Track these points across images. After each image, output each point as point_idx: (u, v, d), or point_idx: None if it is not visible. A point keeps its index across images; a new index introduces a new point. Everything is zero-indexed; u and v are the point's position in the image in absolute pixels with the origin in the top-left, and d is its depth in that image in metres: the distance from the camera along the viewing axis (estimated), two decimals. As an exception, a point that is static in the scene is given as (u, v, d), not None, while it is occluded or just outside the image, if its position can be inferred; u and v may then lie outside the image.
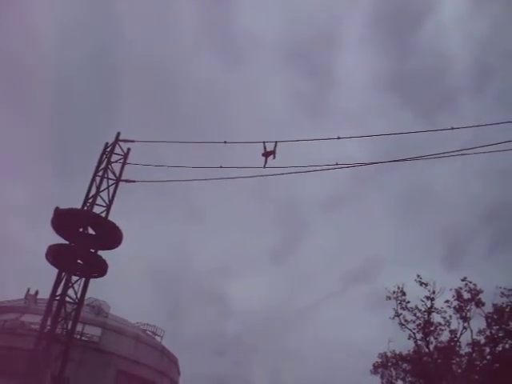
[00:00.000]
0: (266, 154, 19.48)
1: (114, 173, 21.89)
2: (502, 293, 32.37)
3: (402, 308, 34.98)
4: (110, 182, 21.62)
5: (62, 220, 20.45)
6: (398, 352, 36.18)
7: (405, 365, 36.60)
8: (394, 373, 36.80)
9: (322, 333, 69.61)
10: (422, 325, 34.37)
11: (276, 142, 19.74)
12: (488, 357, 33.31)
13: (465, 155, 17.69)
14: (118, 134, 22.47)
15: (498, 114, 67.61)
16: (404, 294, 35.03)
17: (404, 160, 19.12)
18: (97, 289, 24.66)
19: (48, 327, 19.27)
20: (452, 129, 17.85)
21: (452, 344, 34.01)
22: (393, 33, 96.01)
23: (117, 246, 21.84)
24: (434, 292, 34.21)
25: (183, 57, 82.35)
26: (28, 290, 33.98)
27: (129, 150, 22.43)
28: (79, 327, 24.91)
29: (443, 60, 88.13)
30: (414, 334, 34.59)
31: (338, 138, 18.98)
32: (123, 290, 51.01)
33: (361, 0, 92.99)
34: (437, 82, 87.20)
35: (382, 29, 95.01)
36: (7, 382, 23.88)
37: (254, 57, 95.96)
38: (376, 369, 36.87)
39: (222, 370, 66.77)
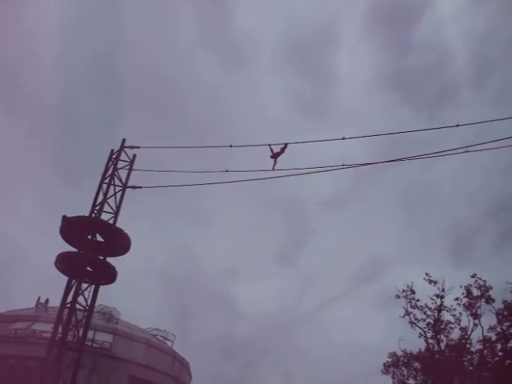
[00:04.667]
0: (275, 156, 19.55)
1: (120, 179, 21.97)
2: (513, 288, 32.22)
3: (412, 307, 34.95)
4: (117, 188, 21.72)
5: (71, 228, 20.56)
6: (408, 351, 36.08)
7: (416, 364, 36.47)
8: (405, 372, 36.71)
9: (331, 333, 69.48)
10: (433, 323, 34.29)
11: (283, 143, 19.81)
12: (500, 353, 33.16)
13: (468, 152, 17.67)
14: (124, 140, 22.56)
15: (499, 108, 67.36)
16: (413, 292, 35.01)
17: (407, 159, 19.12)
18: (106, 295, 24.80)
19: (59, 335, 19.37)
20: (458, 126, 17.82)
21: (463, 341, 33.89)
22: (391, 30, 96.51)
23: (125, 253, 21.93)
24: (443, 290, 34.17)
25: (184, 60, 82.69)
26: (38, 299, 34.14)
27: (134, 156, 22.51)
28: (90, 334, 24.99)
29: (443, 55, 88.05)
30: (424, 332, 34.55)
31: (343, 139, 19.03)
32: (133, 295, 51.15)
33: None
34: (437, 77, 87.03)
35: (380, 26, 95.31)
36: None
37: (253, 58, 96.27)
38: (387, 368, 36.78)
39: (234, 373, 66.72)
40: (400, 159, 19.64)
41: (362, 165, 19.86)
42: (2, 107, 72.87)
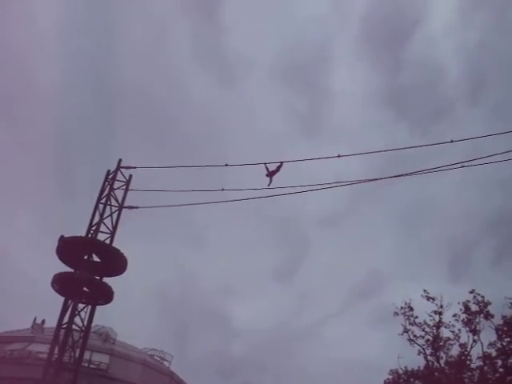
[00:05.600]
0: (270, 174, 19.68)
1: (116, 199, 22.05)
2: (512, 303, 32.12)
3: (411, 323, 34.78)
4: (113, 208, 21.79)
5: (67, 248, 20.58)
6: (408, 368, 35.73)
7: (416, 381, 36.11)
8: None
9: (330, 349, 68.92)
10: (432, 340, 34.09)
11: (278, 162, 19.95)
12: (500, 369, 32.90)
13: (464, 167, 17.79)
14: (120, 160, 22.67)
15: (493, 123, 67.82)
16: (412, 309, 34.87)
17: (404, 175, 19.24)
18: (103, 316, 24.64)
19: (55, 356, 19.25)
20: (452, 142, 17.98)
21: (463, 358, 33.65)
22: (385, 47, 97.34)
23: (122, 273, 21.91)
24: (441, 306, 34.06)
25: (178, 80, 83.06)
26: (35, 319, 33.91)
27: (131, 176, 22.61)
28: (87, 355, 24.82)
29: (437, 71, 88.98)
30: (423, 349, 34.31)
31: (339, 156, 19.17)
32: (130, 315, 50.71)
33: (351, 18, 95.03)
34: (431, 93, 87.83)
35: (374, 44, 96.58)
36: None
37: (248, 76, 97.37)
38: (387, 386, 36.38)
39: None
40: (396, 176, 19.79)
41: (358, 182, 20.01)
42: None
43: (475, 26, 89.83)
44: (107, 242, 21.07)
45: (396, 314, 35.07)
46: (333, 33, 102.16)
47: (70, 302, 19.87)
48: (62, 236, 20.67)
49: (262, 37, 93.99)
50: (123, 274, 22.03)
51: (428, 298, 34.37)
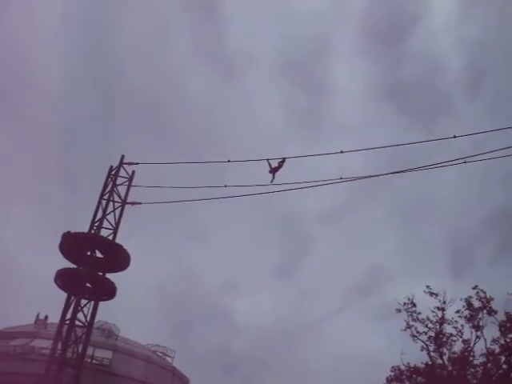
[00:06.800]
0: (273, 170, 19.66)
1: (119, 195, 22.09)
2: (515, 300, 32.00)
3: (414, 319, 34.72)
4: (116, 204, 21.82)
5: (70, 244, 20.61)
6: (411, 364, 35.68)
7: (419, 378, 36.07)
8: (408, 386, 36.29)
9: (332, 346, 68.88)
10: (434, 336, 34.04)
11: (281, 158, 19.92)
12: (504, 366, 32.82)
13: (466, 162, 17.72)
14: (123, 156, 22.69)
15: (494, 118, 67.57)
16: (414, 305, 34.81)
17: (405, 171, 19.20)
18: (106, 311, 24.68)
19: (58, 351, 19.29)
20: (455, 137, 17.90)
21: (466, 354, 33.60)
22: (385, 42, 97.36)
23: (125, 269, 21.97)
24: (444, 302, 33.99)
25: (178, 77, 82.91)
26: (38, 315, 33.94)
27: (133, 172, 22.62)
28: (90, 351, 24.84)
29: (437, 66, 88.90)
30: (426, 345, 34.26)
31: (342, 152, 19.17)
32: (132, 311, 50.86)
33: (351, 13, 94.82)
34: (431, 88, 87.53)
35: (374, 38, 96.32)
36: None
37: (248, 73, 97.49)
38: (389, 382, 36.36)
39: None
40: (398, 172, 19.73)
41: (360, 178, 19.99)
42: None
43: (475, 21, 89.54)
44: (110, 238, 21.11)
45: (399, 310, 35.03)
46: (332, 28, 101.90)
47: (72, 297, 19.93)
48: (65, 232, 20.73)
49: (261, 32, 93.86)
50: (126, 270, 22.10)
51: (431, 294, 34.29)
